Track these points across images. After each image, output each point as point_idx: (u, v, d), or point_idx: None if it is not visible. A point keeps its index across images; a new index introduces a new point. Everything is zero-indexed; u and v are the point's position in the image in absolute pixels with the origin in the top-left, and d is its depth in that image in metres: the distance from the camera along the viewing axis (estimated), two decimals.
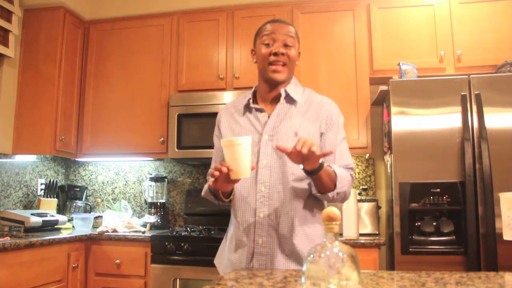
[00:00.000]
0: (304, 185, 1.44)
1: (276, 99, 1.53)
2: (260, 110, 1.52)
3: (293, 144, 1.32)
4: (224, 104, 2.87)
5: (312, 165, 1.26)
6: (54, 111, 2.95)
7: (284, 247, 1.42)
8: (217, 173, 1.25)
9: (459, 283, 1.07)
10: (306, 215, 1.45)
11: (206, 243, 2.52)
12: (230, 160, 1.25)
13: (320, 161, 1.28)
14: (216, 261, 1.61)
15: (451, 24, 2.76)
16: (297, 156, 1.22)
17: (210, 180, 1.31)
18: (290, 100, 1.52)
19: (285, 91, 1.50)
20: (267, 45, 1.49)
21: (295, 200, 1.43)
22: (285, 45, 1.48)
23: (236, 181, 1.32)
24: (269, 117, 1.50)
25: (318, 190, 1.39)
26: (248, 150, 1.26)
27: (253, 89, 1.60)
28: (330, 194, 1.37)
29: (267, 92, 1.54)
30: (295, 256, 1.42)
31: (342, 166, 1.46)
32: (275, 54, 1.47)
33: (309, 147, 1.19)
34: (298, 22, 2.96)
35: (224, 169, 1.24)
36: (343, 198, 1.43)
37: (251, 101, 1.54)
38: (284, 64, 1.48)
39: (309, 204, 1.46)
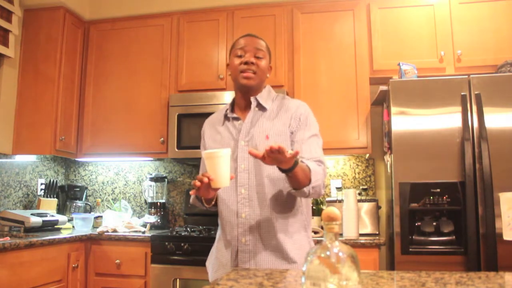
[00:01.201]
0: (281, 184, 1.52)
1: (249, 107, 1.63)
2: (236, 119, 1.63)
3: (265, 147, 1.40)
4: (224, 104, 2.87)
5: (287, 165, 1.32)
6: (54, 111, 2.95)
7: (266, 244, 1.51)
8: (198, 183, 1.35)
9: (459, 283, 1.07)
10: (285, 212, 1.53)
11: (206, 243, 2.51)
12: (211, 171, 1.35)
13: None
14: (207, 262, 1.70)
15: (451, 24, 2.76)
16: (270, 160, 1.28)
17: (192, 190, 1.40)
18: (261, 107, 1.62)
19: (256, 99, 1.62)
20: (240, 56, 1.60)
21: (274, 199, 1.52)
22: (256, 57, 1.60)
23: (217, 189, 1.41)
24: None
25: (293, 187, 1.43)
26: (227, 161, 1.35)
27: (231, 100, 1.71)
28: (306, 189, 1.42)
29: (241, 100, 1.65)
30: (277, 251, 1.50)
31: (311, 159, 1.50)
32: (246, 63, 1.58)
33: (278, 148, 1.23)
34: (298, 22, 2.96)
35: (205, 180, 1.33)
36: (319, 193, 1.48)
37: (228, 111, 1.66)
38: (254, 73, 1.59)
39: (288, 202, 1.54)
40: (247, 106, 1.64)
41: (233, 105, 1.70)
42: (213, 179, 1.33)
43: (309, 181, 1.41)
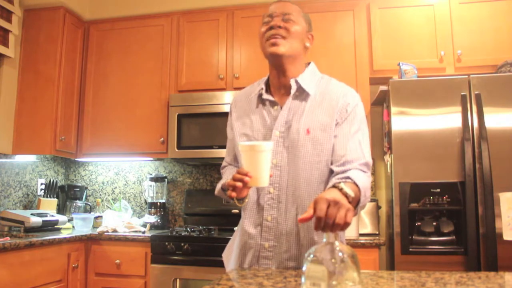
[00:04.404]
0: (318, 188, 1.33)
1: (287, 89, 1.40)
2: (273, 103, 1.40)
3: (305, 142, 1.30)
4: (224, 104, 2.88)
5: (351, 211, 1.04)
6: (54, 111, 2.95)
7: (292, 254, 1.34)
8: (239, 184, 1.15)
9: (459, 283, 1.07)
10: None
11: (206, 243, 2.52)
12: (249, 167, 1.16)
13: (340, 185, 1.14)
14: (224, 254, 1.56)
15: (451, 24, 2.76)
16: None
17: (229, 191, 1.21)
18: (302, 91, 1.38)
19: (296, 82, 1.37)
20: (267, 23, 1.38)
21: (308, 205, 1.30)
22: (285, 20, 1.35)
23: (251, 187, 1.24)
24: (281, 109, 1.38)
25: None
26: (269, 157, 1.16)
27: (266, 77, 1.47)
28: (355, 210, 1.21)
29: (277, 79, 1.41)
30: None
31: (354, 162, 1.30)
32: (272, 27, 1.35)
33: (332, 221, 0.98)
34: None
35: (247, 179, 1.14)
36: (364, 206, 1.31)
37: (263, 91, 1.42)
38: (283, 38, 1.34)
39: None
40: (284, 88, 1.40)
41: (267, 84, 1.45)
42: (252, 176, 1.14)
43: (358, 201, 1.21)
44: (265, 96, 1.41)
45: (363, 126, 1.38)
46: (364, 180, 1.24)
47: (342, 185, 1.13)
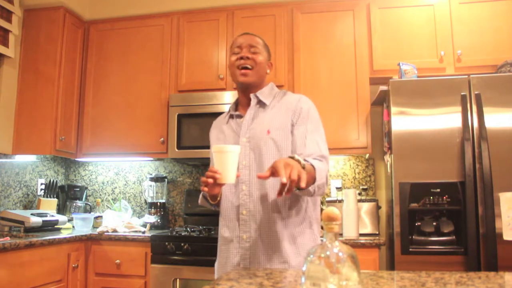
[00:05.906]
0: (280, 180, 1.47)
1: (250, 104, 1.63)
2: (239, 116, 1.64)
3: (266, 141, 1.49)
4: (224, 104, 2.88)
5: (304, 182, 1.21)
6: (54, 111, 2.95)
7: (266, 243, 1.48)
8: (210, 180, 1.34)
9: (459, 283, 1.07)
10: (287, 211, 1.50)
11: (206, 243, 2.52)
12: (218, 165, 1.35)
13: (302, 162, 1.30)
14: (215, 263, 1.65)
15: (451, 24, 2.76)
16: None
17: (203, 188, 1.40)
18: (261, 103, 1.62)
19: (255, 96, 1.62)
20: (236, 53, 1.61)
21: (273, 195, 1.50)
22: (252, 52, 1.60)
23: (222, 185, 1.41)
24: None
25: (297, 187, 1.32)
26: (235, 158, 1.36)
27: (235, 99, 1.72)
28: (311, 189, 1.37)
29: (242, 97, 1.66)
30: (277, 251, 1.47)
31: (312, 155, 1.46)
32: (242, 58, 1.59)
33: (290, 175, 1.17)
34: (298, 22, 2.96)
35: (217, 176, 1.33)
36: (323, 190, 1.43)
37: (232, 109, 1.68)
38: (251, 68, 1.59)
39: (290, 200, 1.50)
40: (249, 103, 1.64)
41: (237, 104, 1.71)
42: (220, 173, 1.33)
43: (314, 180, 1.36)
44: (232, 112, 1.67)
45: (319, 126, 1.58)
46: (319, 164, 1.41)
47: (295, 156, 1.30)
